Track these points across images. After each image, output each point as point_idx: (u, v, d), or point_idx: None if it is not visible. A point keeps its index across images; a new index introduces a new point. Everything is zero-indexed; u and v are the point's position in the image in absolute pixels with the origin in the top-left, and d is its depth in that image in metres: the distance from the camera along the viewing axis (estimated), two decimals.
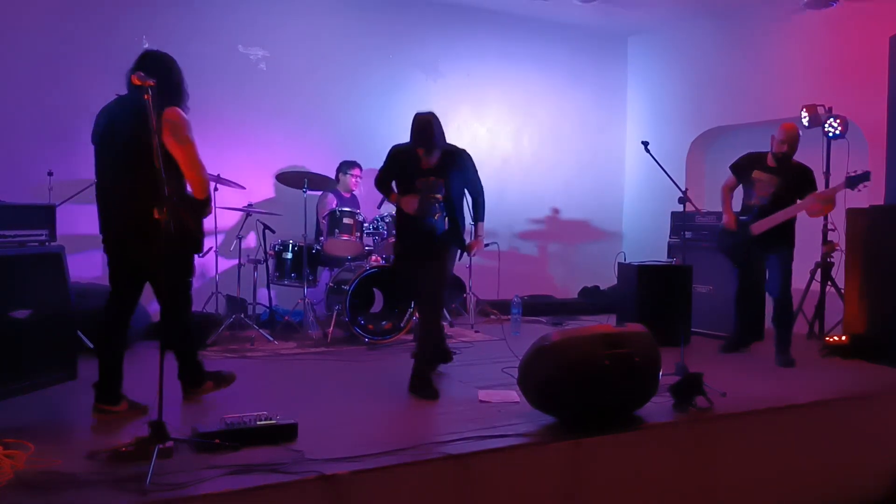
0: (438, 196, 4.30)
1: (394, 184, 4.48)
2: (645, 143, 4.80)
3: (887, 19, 6.07)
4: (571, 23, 8.18)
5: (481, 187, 4.61)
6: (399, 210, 4.44)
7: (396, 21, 7.39)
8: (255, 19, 6.69)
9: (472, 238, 4.59)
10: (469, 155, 4.50)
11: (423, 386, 4.10)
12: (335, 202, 6.37)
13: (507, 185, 7.96)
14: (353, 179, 6.59)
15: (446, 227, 4.36)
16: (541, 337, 3.52)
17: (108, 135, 3.51)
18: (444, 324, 6.31)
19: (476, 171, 4.54)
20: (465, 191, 4.53)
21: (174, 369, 3.74)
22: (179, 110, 3.47)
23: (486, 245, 4.66)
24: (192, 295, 3.81)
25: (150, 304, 5.64)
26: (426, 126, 4.18)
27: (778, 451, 3.83)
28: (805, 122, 6.15)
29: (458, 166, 4.42)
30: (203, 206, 3.51)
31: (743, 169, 5.31)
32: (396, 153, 4.43)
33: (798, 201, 5.07)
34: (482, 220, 4.61)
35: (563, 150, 8.41)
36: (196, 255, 3.68)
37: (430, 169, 4.30)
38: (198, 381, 3.81)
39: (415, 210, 4.28)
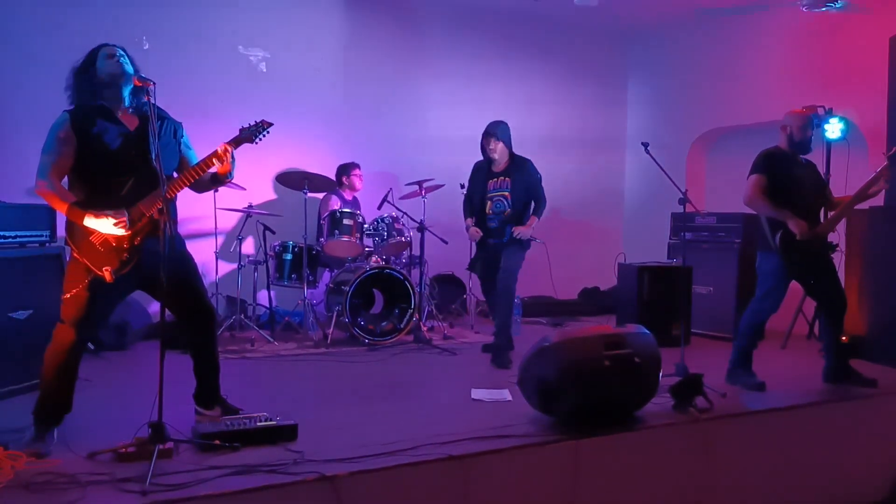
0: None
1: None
2: (645, 145, 4.79)
3: (887, 19, 6.06)
4: (571, 23, 8.18)
5: (543, 196, 5.21)
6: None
7: (396, 21, 7.40)
8: (255, 20, 6.69)
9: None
10: (532, 163, 5.22)
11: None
12: (338, 203, 6.37)
13: None
14: (358, 180, 6.58)
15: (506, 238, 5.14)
16: (541, 338, 3.52)
17: None
18: (445, 325, 6.33)
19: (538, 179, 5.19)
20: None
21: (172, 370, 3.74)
22: None
23: (533, 239, 5.28)
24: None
25: (150, 305, 5.66)
26: (491, 124, 5.18)
27: (778, 451, 3.83)
28: None
29: (521, 170, 5.11)
30: None
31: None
32: (475, 166, 5.32)
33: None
34: (538, 216, 5.19)
35: (563, 150, 8.40)
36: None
37: (498, 173, 5.13)
38: None
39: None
